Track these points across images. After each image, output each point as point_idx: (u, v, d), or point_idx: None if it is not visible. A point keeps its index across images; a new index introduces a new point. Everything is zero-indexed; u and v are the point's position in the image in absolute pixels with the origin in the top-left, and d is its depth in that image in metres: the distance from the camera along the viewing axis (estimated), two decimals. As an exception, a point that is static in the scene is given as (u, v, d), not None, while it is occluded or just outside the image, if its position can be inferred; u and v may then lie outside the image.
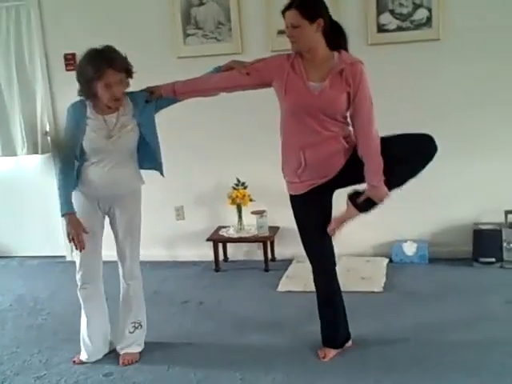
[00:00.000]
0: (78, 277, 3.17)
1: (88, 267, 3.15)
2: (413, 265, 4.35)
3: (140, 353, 3.28)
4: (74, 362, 3.28)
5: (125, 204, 3.12)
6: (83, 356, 3.28)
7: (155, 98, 3.04)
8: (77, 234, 2.99)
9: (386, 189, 2.79)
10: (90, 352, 3.26)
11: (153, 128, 3.08)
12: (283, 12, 2.77)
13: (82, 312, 3.24)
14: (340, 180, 2.88)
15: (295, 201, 2.97)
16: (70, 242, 3.05)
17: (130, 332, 3.25)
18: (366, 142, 2.78)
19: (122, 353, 3.26)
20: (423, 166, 2.81)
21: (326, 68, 2.76)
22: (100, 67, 2.81)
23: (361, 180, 2.86)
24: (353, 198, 2.91)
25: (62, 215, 3.01)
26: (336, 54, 2.79)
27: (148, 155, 3.10)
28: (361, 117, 2.77)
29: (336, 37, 2.81)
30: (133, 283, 3.24)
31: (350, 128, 2.86)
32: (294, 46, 2.79)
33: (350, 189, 2.93)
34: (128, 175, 3.09)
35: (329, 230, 2.93)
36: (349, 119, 2.85)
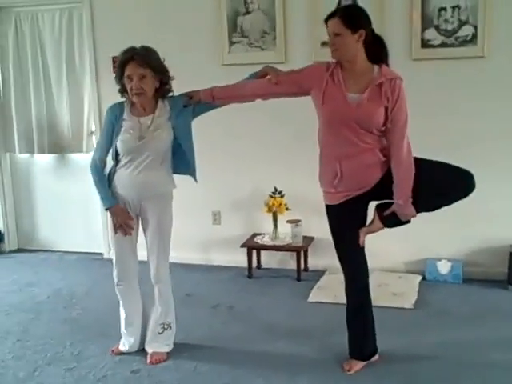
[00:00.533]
0: (114, 274, 3.27)
1: (122, 265, 3.23)
2: (446, 284, 4.30)
3: (168, 353, 3.33)
4: (113, 351, 3.39)
5: (153, 206, 3.17)
6: (122, 347, 3.39)
7: (193, 103, 3.11)
8: (124, 221, 3.11)
9: (412, 209, 2.80)
10: (128, 344, 3.37)
11: (187, 133, 3.14)
12: (326, 20, 2.79)
13: (120, 307, 3.35)
14: (375, 193, 2.88)
15: (330, 211, 2.99)
16: (116, 231, 3.15)
17: (159, 333, 3.32)
18: (398, 157, 2.78)
19: (150, 352, 3.33)
20: (454, 201, 2.83)
21: (366, 80, 2.77)
22: (124, 59, 2.98)
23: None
24: (380, 210, 2.92)
25: (106, 209, 3.14)
26: (376, 67, 2.80)
27: (181, 160, 3.16)
28: (395, 132, 2.78)
29: (377, 50, 2.83)
30: (159, 286, 3.29)
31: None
32: (334, 53, 2.81)
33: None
34: (158, 178, 3.13)
35: (360, 241, 2.95)
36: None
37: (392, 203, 2.87)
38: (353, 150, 2.81)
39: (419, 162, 2.81)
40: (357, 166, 2.83)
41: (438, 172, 2.82)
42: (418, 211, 2.82)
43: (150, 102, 3.08)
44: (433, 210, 2.89)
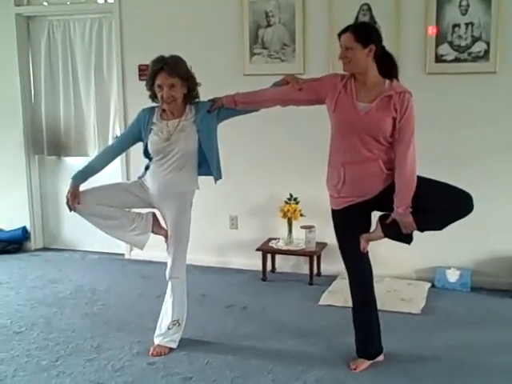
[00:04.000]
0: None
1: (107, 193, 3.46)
2: (454, 291, 4.40)
3: (171, 349, 3.47)
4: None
5: (172, 204, 3.35)
6: None
7: (217, 108, 3.29)
8: (69, 196, 3.32)
9: (411, 218, 2.93)
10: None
11: (211, 137, 3.31)
12: (340, 35, 2.98)
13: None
14: (378, 203, 3.03)
15: (335, 215, 3.14)
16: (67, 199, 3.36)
17: (169, 328, 3.46)
18: (401, 168, 2.93)
19: (155, 343, 3.48)
20: (450, 223, 2.98)
21: (376, 92, 2.93)
22: (154, 69, 3.18)
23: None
24: (383, 220, 3.07)
25: (71, 178, 3.38)
26: (388, 81, 2.96)
27: (203, 162, 3.33)
28: (401, 143, 2.92)
29: (388, 66, 2.99)
30: (172, 282, 3.44)
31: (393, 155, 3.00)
32: (345, 66, 2.98)
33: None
34: (182, 178, 3.32)
35: (361, 247, 3.09)
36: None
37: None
38: (357, 158, 2.96)
39: (419, 180, 2.95)
40: (359, 173, 2.98)
41: (437, 189, 2.97)
42: (418, 227, 2.96)
43: (178, 107, 3.28)
44: (432, 227, 3.03)
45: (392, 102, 2.89)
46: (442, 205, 2.94)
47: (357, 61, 2.92)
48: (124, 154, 5.24)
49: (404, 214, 2.93)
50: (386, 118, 2.90)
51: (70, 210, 3.37)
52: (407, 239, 3.05)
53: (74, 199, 3.32)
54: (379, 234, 3.07)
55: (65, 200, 3.36)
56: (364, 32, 2.95)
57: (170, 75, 3.16)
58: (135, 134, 3.38)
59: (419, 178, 2.97)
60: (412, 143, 2.92)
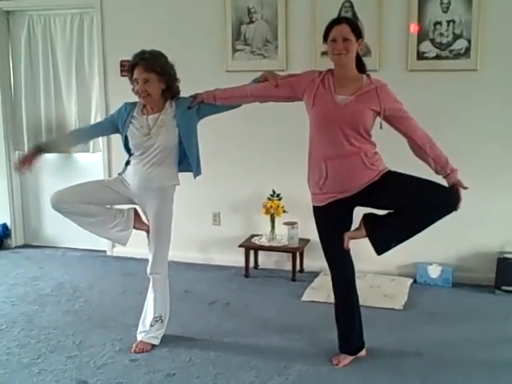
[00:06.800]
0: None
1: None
2: (436, 287, 4.44)
3: (153, 345, 3.46)
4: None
5: (152, 199, 3.34)
6: None
7: (197, 104, 3.29)
8: (24, 160, 3.34)
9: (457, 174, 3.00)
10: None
11: (191, 132, 3.31)
12: (331, 26, 2.93)
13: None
14: (360, 199, 3.03)
15: (317, 212, 3.14)
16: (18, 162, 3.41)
17: (151, 325, 3.46)
18: (419, 138, 2.99)
19: (138, 340, 3.48)
20: (436, 216, 2.98)
21: (355, 86, 2.95)
22: (132, 63, 3.22)
23: (379, 207, 3.05)
24: (367, 219, 3.09)
25: (34, 144, 3.49)
26: (365, 76, 2.99)
27: (183, 158, 3.33)
28: (401, 121, 2.97)
29: (361, 61, 3.03)
30: (154, 277, 3.44)
31: (375, 150, 3.02)
32: (342, 59, 2.93)
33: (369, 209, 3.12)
34: (162, 174, 3.31)
35: (345, 245, 3.09)
36: (373, 138, 3.01)
37: (375, 214, 3.08)
38: (339, 152, 2.96)
39: (399, 176, 3.00)
40: (341, 167, 2.98)
41: (419, 186, 2.98)
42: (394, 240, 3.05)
43: (157, 102, 3.28)
44: (412, 230, 3.04)
45: (372, 94, 2.92)
46: (423, 203, 2.93)
47: (352, 53, 2.93)
48: (106, 152, 5.25)
49: (456, 171, 2.99)
50: (365, 109, 2.91)
51: (17, 170, 3.51)
52: (384, 246, 3.06)
53: (25, 164, 3.34)
54: (362, 234, 3.08)
55: (17, 162, 3.41)
56: (356, 25, 2.99)
57: (145, 70, 3.17)
58: (113, 124, 3.39)
59: (399, 175, 2.99)
60: (411, 116, 2.98)
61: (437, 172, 3.02)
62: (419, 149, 3.00)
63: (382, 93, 2.93)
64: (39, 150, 3.36)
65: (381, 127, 2.97)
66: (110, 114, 3.58)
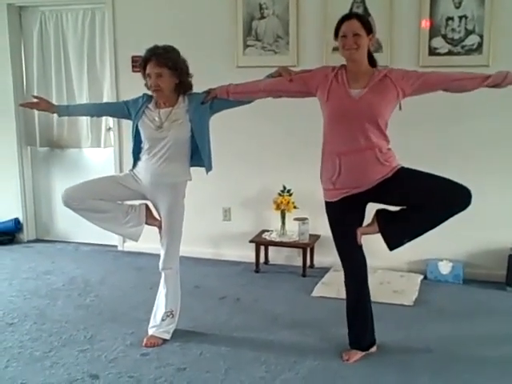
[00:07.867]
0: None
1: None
2: (446, 284, 4.44)
3: (164, 340, 3.48)
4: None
5: (164, 195, 3.35)
6: None
7: (211, 99, 3.30)
8: (33, 101, 3.51)
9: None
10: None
11: (203, 128, 3.32)
12: (341, 22, 2.95)
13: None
14: (373, 195, 3.02)
15: (329, 207, 3.14)
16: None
17: (163, 319, 3.48)
18: (448, 78, 3.05)
19: (149, 334, 3.49)
20: (444, 220, 2.98)
21: (367, 79, 2.96)
22: (144, 58, 3.24)
23: (392, 203, 3.05)
24: (379, 214, 3.09)
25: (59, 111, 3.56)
26: (375, 69, 3.01)
27: (195, 153, 3.35)
28: (425, 80, 2.98)
29: (372, 57, 3.04)
30: (165, 273, 3.45)
31: (389, 147, 3.02)
32: (353, 54, 2.93)
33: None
34: (174, 169, 3.32)
35: (357, 240, 3.10)
36: (388, 132, 3.00)
37: (388, 210, 3.08)
38: (353, 147, 2.95)
39: (410, 172, 2.99)
40: (355, 162, 2.97)
41: (431, 183, 2.97)
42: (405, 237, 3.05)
43: (169, 97, 3.30)
44: (424, 228, 3.04)
45: (385, 83, 2.93)
46: (435, 199, 2.93)
47: (363, 47, 2.94)
48: (117, 148, 5.27)
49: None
50: (381, 101, 2.92)
51: (21, 105, 3.61)
52: (396, 242, 3.06)
53: (33, 104, 3.49)
54: (375, 229, 3.08)
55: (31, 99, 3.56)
56: (367, 20, 3.00)
57: (157, 65, 3.19)
58: (125, 109, 3.42)
59: (412, 171, 2.99)
60: (428, 72, 3.02)
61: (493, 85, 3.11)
62: (459, 82, 3.07)
63: (393, 76, 2.94)
64: (49, 104, 3.51)
65: (400, 108, 2.99)
66: (125, 99, 3.54)
